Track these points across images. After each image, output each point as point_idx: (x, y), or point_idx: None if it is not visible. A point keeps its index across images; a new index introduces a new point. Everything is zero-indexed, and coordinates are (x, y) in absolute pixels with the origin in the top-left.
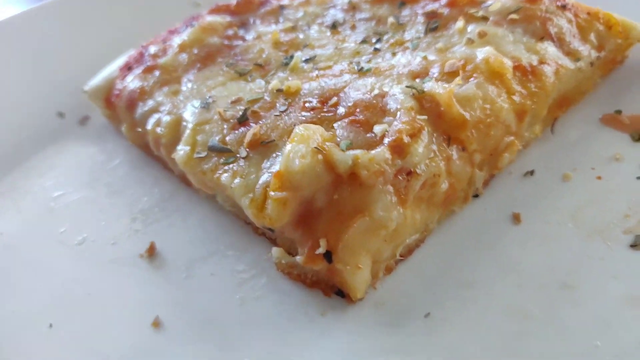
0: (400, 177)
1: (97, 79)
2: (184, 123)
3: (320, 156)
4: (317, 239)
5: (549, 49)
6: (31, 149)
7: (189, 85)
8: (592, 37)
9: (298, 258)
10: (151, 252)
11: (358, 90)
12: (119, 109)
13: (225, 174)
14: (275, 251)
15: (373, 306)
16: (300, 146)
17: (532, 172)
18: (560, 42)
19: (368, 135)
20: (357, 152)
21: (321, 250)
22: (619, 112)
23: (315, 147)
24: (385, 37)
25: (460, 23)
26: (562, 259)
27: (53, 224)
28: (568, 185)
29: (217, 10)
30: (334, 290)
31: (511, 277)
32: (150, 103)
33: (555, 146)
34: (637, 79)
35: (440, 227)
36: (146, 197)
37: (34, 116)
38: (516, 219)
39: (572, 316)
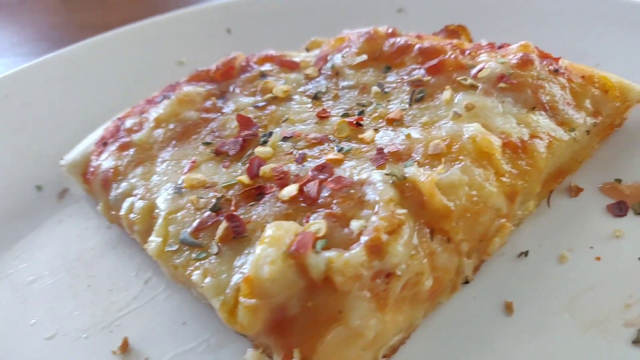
0: (378, 280)
1: (74, 153)
2: (157, 210)
3: (292, 260)
4: (291, 348)
5: (541, 120)
6: (7, 225)
7: (164, 165)
8: (588, 103)
9: None
10: (124, 348)
11: (336, 177)
12: (94, 187)
13: (197, 272)
14: (251, 355)
15: None
16: (270, 250)
17: (526, 253)
18: (553, 111)
19: (345, 230)
20: (332, 253)
21: None
22: (618, 180)
23: (287, 251)
24: (369, 109)
25: (447, 93)
26: (558, 355)
27: (25, 314)
28: (564, 268)
29: (196, 77)
30: None
31: None
32: (124, 185)
33: (551, 222)
34: (637, 144)
35: (426, 320)
36: (123, 283)
37: (10, 189)
38: (508, 308)
39: None
